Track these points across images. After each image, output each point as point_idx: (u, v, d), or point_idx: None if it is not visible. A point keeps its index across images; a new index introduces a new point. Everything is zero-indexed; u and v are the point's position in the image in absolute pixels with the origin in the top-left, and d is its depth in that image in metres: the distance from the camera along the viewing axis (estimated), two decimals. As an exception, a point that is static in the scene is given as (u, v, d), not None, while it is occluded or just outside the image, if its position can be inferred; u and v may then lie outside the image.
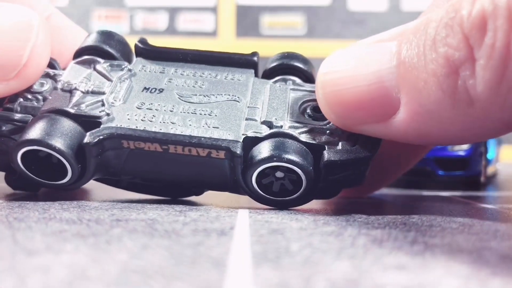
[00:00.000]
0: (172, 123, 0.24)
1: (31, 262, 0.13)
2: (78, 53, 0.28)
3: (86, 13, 1.76)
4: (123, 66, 0.27)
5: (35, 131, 0.23)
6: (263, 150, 0.23)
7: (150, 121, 0.24)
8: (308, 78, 0.27)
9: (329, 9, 1.79)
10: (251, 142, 0.23)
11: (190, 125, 0.24)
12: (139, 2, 1.82)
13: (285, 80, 0.27)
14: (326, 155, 0.23)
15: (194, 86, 0.26)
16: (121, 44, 0.29)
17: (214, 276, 0.12)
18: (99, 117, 0.24)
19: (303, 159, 0.23)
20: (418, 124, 0.20)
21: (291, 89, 0.26)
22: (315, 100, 0.24)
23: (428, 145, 0.29)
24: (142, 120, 0.24)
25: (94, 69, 0.27)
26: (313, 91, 0.26)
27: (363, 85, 0.21)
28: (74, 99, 0.25)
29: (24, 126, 0.24)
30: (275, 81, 0.27)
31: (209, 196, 0.29)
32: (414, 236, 0.17)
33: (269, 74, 0.28)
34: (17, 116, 0.24)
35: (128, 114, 0.24)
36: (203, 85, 0.26)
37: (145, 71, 0.27)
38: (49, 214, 0.20)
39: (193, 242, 0.15)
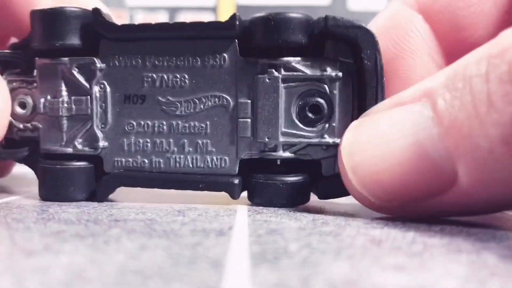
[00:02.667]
0: (169, 151, 0.25)
1: (29, 263, 0.13)
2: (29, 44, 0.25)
3: (86, 13, 1.76)
4: (92, 67, 0.24)
5: (50, 193, 0.25)
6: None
7: (145, 150, 0.25)
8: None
9: (329, 9, 1.79)
10: (246, 164, 0.24)
11: (187, 151, 0.24)
12: (139, 2, 1.82)
13: (275, 66, 0.23)
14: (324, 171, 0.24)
15: (175, 85, 0.24)
16: (80, 24, 0.24)
17: (212, 277, 0.12)
18: (98, 155, 0.25)
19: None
20: (486, 193, 0.17)
21: (284, 86, 0.24)
22: (311, 93, 0.23)
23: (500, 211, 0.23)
24: (138, 151, 0.25)
25: (63, 78, 0.24)
26: (310, 77, 0.23)
27: (404, 161, 0.18)
28: (65, 130, 0.25)
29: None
30: (263, 70, 0.23)
31: (208, 195, 0.29)
32: (413, 236, 0.17)
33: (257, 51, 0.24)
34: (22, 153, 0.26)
35: (121, 143, 0.25)
36: (184, 80, 0.24)
37: (117, 65, 0.24)
38: (47, 215, 0.20)
39: (191, 242, 0.15)
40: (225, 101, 0.24)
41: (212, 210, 0.23)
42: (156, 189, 0.27)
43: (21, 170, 0.45)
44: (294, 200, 0.24)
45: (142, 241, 0.15)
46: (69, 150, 0.25)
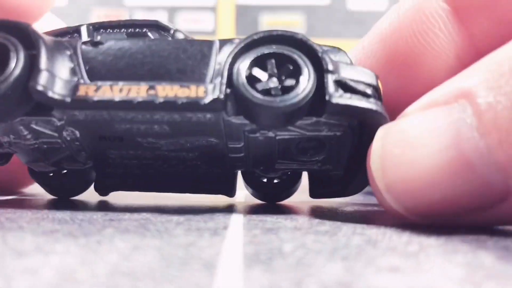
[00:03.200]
0: (156, 166, 0.24)
1: (20, 264, 0.12)
2: None
3: (85, 13, 1.76)
4: (51, 123, 0.21)
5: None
6: None
7: (132, 167, 0.24)
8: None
9: (329, 9, 1.79)
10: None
11: (176, 166, 0.24)
12: (138, 2, 1.82)
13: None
14: None
15: (154, 133, 0.21)
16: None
17: (204, 279, 0.11)
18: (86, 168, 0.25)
19: None
20: None
21: (279, 140, 0.22)
22: (309, 139, 0.22)
23: None
24: (125, 167, 0.24)
25: (24, 128, 0.22)
26: (307, 136, 0.21)
27: (446, 177, 0.15)
28: (41, 157, 0.24)
29: None
30: (254, 130, 0.21)
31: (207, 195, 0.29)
32: (409, 236, 0.17)
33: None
34: None
35: (106, 163, 0.24)
36: (164, 129, 0.21)
37: (81, 119, 0.21)
38: (42, 214, 0.20)
39: (184, 243, 0.15)
40: (213, 142, 0.22)
41: (208, 209, 0.22)
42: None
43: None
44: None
45: (135, 241, 0.15)
46: (53, 168, 0.25)
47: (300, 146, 0.22)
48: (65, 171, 0.26)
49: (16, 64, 0.19)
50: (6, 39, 0.20)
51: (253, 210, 0.23)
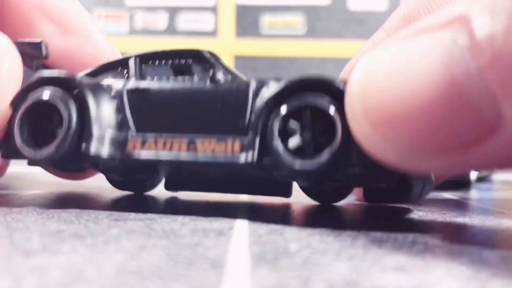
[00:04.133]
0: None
1: (28, 263, 0.12)
2: None
3: (86, 12, 1.76)
4: None
5: None
6: None
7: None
8: None
9: (329, 9, 1.79)
10: None
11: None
12: (139, 2, 1.82)
13: None
14: None
15: None
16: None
17: (211, 278, 0.12)
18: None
19: None
20: None
21: None
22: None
23: None
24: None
25: None
26: None
27: (432, 102, 0.14)
28: None
29: None
30: None
31: (209, 194, 0.29)
32: (414, 236, 0.17)
33: None
34: None
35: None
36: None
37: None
38: (47, 214, 0.20)
39: (191, 243, 0.15)
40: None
41: (213, 209, 0.23)
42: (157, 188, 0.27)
43: (20, 170, 0.45)
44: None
45: (141, 241, 0.15)
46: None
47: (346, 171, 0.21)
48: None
49: (68, 129, 0.21)
50: (61, 99, 0.22)
51: (258, 211, 0.23)
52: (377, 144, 0.15)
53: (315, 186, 0.20)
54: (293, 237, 0.17)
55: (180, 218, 0.20)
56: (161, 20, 1.82)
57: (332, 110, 0.18)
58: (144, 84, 0.23)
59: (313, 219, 0.20)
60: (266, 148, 0.19)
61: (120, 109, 0.22)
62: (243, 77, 0.22)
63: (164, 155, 0.21)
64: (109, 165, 0.21)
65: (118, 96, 0.22)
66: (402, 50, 0.15)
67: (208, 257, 0.13)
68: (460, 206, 0.29)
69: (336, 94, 0.19)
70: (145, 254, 0.14)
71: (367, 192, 0.27)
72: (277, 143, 0.19)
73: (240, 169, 0.20)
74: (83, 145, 0.21)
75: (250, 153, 0.19)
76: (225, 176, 0.23)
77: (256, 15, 1.78)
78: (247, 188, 0.26)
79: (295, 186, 0.26)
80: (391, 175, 0.18)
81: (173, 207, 0.23)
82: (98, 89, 0.22)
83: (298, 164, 0.18)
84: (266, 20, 1.79)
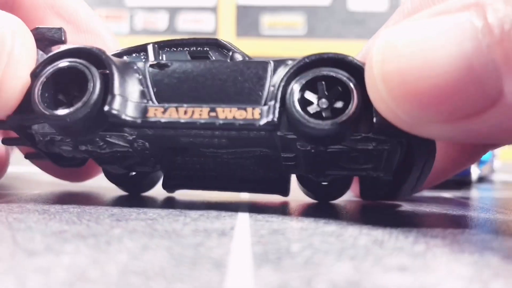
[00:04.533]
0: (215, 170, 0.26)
1: (31, 263, 0.13)
2: None
3: (86, 13, 1.76)
4: (124, 136, 0.24)
5: None
6: None
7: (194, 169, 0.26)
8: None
9: (329, 9, 1.79)
10: None
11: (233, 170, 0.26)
12: (139, 2, 1.82)
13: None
14: None
15: (215, 144, 0.23)
16: None
17: (214, 278, 0.12)
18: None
19: None
20: None
21: (329, 151, 0.23)
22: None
23: None
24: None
25: (103, 139, 0.25)
26: (357, 149, 0.22)
27: (444, 72, 0.16)
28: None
29: None
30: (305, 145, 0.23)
31: (210, 194, 0.29)
32: (416, 236, 0.17)
33: None
34: None
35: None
36: (223, 141, 0.23)
37: (147, 135, 0.23)
38: (49, 214, 0.20)
39: (193, 243, 0.15)
40: (267, 152, 0.24)
41: (214, 210, 0.23)
42: (158, 188, 0.28)
43: (20, 170, 0.45)
44: None
45: (144, 241, 0.15)
46: (125, 171, 0.28)
47: (350, 156, 0.23)
48: (134, 173, 0.29)
49: (93, 90, 0.22)
50: (85, 66, 0.22)
51: (259, 211, 0.23)
52: (392, 108, 0.17)
53: (331, 144, 0.22)
54: (295, 237, 0.17)
55: (181, 218, 0.20)
56: (161, 20, 1.83)
57: (346, 78, 0.20)
58: (166, 61, 0.23)
59: (315, 220, 0.20)
60: (285, 112, 0.21)
61: (141, 82, 0.23)
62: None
63: (184, 119, 0.21)
64: (130, 126, 0.22)
65: (140, 70, 0.23)
66: (423, 26, 0.17)
67: (211, 257, 0.14)
68: (461, 205, 0.29)
69: (349, 67, 0.21)
70: (148, 254, 0.14)
71: (363, 189, 0.28)
72: (297, 107, 0.20)
73: (259, 130, 0.21)
74: (107, 106, 0.21)
75: (270, 116, 0.21)
76: (240, 144, 0.24)
77: (256, 15, 1.79)
78: (246, 186, 0.26)
79: (293, 185, 0.26)
80: (400, 140, 0.21)
81: (174, 207, 0.23)
82: (121, 63, 0.23)
83: (316, 123, 0.20)
84: (266, 20, 1.79)
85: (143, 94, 0.22)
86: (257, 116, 0.21)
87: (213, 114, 0.21)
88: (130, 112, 0.22)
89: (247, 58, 0.23)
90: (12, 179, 0.37)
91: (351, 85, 0.20)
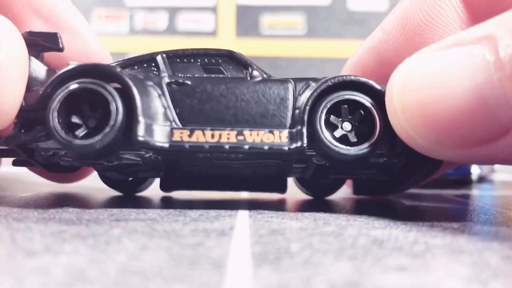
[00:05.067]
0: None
1: (30, 263, 0.12)
2: None
3: (86, 13, 1.76)
4: (141, 154, 0.24)
5: None
6: None
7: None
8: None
9: (329, 9, 1.79)
10: None
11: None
12: (139, 2, 1.82)
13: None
14: None
15: (231, 158, 0.23)
16: None
17: (213, 278, 0.12)
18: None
19: None
20: None
21: None
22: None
23: None
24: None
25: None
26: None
27: (458, 103, 0.17)
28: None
29: None
30: None
31: (209, 193, 0.29)
32: (415, 236, 0.17)
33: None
34: None
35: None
36: (240, 156, 0.23)
37: (165, 153, 0.23)
38: (48, 214, 0.20)
39: (192, 243, 0.15)
40: (281, 163, 0.24)
41: (213, 210, 0.23)
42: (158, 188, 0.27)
43: (20, 170, 0.45)
44: None
45: (143, 241, 0.15)
46: (126, 177, 0.28)
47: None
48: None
49: (117, 112, 0.21)
50: (101, 86, 0.21)
51: (258, 211, 0.23)
52: (411, 135, 0.19)
53: (354, 168, 0.23)
54: (294, 237, 0.17)
55: (181, 218, 0.20)
56: (161, 20, 1.82)
57: (369, 103, 0.22)
58: (184, 78, 0.23)
59: (314, 220, 0.20)
60: (312, 137, 0.22)
61: (162, 101, 0.22)
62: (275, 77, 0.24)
63: (212, 143, 0.22)
64: (158, 151, 0.22)
65: (157, 87, 0.23)
66: (438, 58, 0.18)
67: (210, 257, 0.14)
68: (461, 205, 0.29)
69: (370, 92, 0.22)
70: (147, 254, 0.14)
71: (356, 186, 0.29)
72: (325, 133, 0.21)
73: (288, 155, 0.22)
74: (133, 134, 0.21)
75: (299, 142, 0.21)
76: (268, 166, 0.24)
77: (256, 15, 1.78)
78: (245, 185, 0.26)
79: (289, 180, 0.27)
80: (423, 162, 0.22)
81: (174, 207, 0.23)
82: (137, 80, 0.22)
83: (345, 149, 0.21)
84: (266, 20, 1.79)
85: (166, 116, 0.22)
86: (284, 139, 0.21)
87: (240, 137, 0.21)
88: (157, 137, 0.21)
89: (265, 75, 0.23)
90: (12, 179, 0.37)
91: (374, 111, 0.21)
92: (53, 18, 0.28)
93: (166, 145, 0.21)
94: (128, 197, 0.28)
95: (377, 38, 0.26)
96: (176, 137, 0.21)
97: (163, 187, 0.27)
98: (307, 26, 1.79)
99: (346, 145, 0.21)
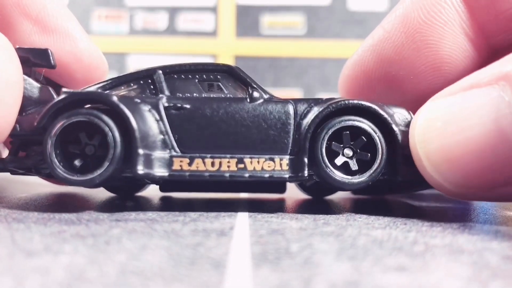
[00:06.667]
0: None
1: (30, 263, 0.12)
2: None
3: (86, 13, 1.76)
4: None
5: None
6: None
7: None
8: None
9: (329, 9, 1.79)
10: None
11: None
12: (139, 2, 1.82)
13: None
14: None
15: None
16: None
17: (213, 278, 0.12)
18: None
19: None
20: None
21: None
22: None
23: None
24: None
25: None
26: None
27: (483, 146, 0.17)
28: None
29: None
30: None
31: (210, 194, 0.29)
32: (415, 236, 0.17)
33: None
34: None
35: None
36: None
37: None
38: (48, 214, 0.20)
39: (192, 243, 0.15)
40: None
41: (213, 210, 0.23)
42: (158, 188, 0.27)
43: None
44: None
45: (143, 242, 0.15)
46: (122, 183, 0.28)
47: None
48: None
49: (115, 145, 0.21)
50: (96, 117, 0.21)
51: (258, 211, 0.23)
52: (440, 183, 0.19)
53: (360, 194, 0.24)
54: (294, 237, 0.17)
55: (181, 218, 0.20)
56: (161, 20, 1.82)
57: (372, 130, 0.22)
58: (182, 101, 0.23)
59: (314, 220, 0.20)
60: (313, 165, 0.22)
61: (160, 126, 0.22)
62: (272, 93, 0.23)
63: (212, 172, 0.22)
64: (158, 181, 0.22)
65: (155, 110, 0.22)
66: (456, 102, 0.18)
67: (210, 257, 0.14)
68: (461, 205, 0.29)
69: (374, 116, 0.22)
70: (147, 254, 0.14)
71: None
72: (326, 162, 0.22)
73: (288, 182, 0.22)
74: (133, 167, 0.21)
75: (299, 173, 0.22)
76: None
77: (256, 15, 1.78)
78: (244, 187, 0.26)
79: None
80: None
81: (174, 207, 0.23)
82: (134, 105, 0.22)
83: (346, 179, 0.22)
84: (266, 20, 1.79)
85: (164, 142, 0.22)
86: (285, 167, 0.22)
87: (241, 165, 0.22)
88: (157, 168, 0.21)
89: (265, 96, 0.23)
90: (12, 179, 0.37)
91: (377, 138, 0.22)
92: (42, 19, 0.28)
93: (166, 174, 0.21)
94: (127, 197, 0.28)
95: (378, 36, 0.26)
96: (176, 166, 0.22)
97: (162, 189, 0.27)
98: (307, 26, 1.78)
99: (347, 172, 0.22)
